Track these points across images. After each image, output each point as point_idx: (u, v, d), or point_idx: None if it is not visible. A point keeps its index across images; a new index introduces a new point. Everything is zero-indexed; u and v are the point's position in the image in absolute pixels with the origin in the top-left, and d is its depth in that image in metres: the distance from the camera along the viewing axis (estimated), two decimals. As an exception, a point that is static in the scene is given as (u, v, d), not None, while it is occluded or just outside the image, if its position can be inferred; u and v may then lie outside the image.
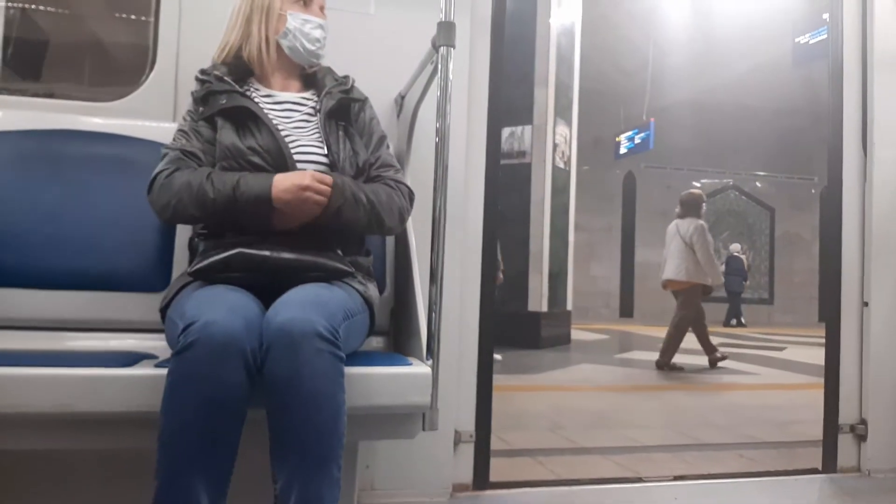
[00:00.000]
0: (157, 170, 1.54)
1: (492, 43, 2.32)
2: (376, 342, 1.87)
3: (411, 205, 1.72)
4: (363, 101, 1.78)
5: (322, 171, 1.60)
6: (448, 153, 1.56)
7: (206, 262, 1.44)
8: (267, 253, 1.44)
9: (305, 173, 1.50)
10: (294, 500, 1.24)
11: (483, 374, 2.32)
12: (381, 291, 1.82)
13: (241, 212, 1.46)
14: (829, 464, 2.62)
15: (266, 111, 1.65)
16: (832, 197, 2.76)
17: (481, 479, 2.29)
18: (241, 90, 1.63)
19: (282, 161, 1.55)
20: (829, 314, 2.75)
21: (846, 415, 2.70)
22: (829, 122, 2.77)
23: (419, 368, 1.46)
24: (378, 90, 2.04)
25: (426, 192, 1.72)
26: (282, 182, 1.46)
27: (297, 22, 1.71)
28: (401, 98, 2.09)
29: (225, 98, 1.60)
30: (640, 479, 2.51)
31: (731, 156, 15.91)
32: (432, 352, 1.53)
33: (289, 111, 1.71)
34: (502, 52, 2.35)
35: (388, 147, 1.79)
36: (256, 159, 1.54)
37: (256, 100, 1.69)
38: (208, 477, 1.23)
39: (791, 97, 12.60)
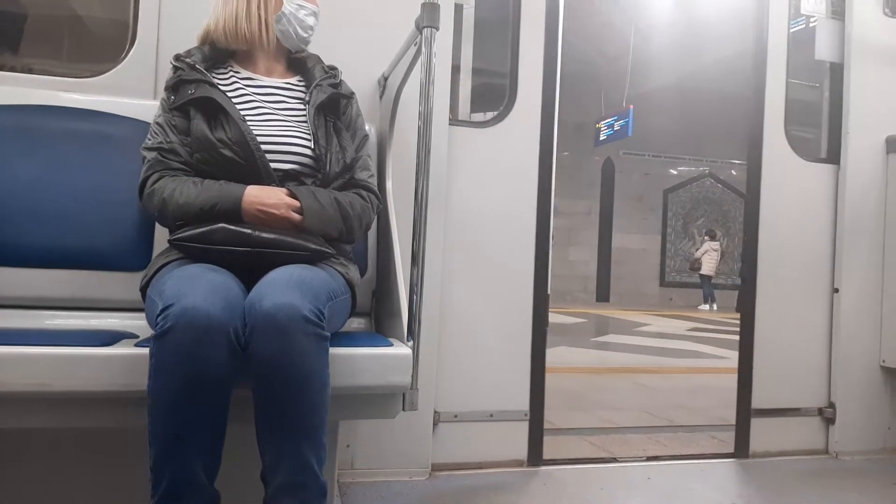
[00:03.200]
0: (141, 176, 1.57)
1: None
2: (357, 323, 1.88)
3: (376, 214, 1.76)
4: (351, 96, 1.78)
5: (305, 165, 1.62)
6: (431, 136, 1.57)
7: (187, 233, 1.45)
8: (248, 231, 1.45)
9: (275, 196, 1.51)
10: (285, 467, 1.28)
11: (536, 354, 2.43)
12: (362, 273, 1.83)
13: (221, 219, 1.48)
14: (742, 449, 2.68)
15: (247, 97, 1.65)
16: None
17: (535, 455, 2.42)
18: (209, 79, 1.61)
19: (249, 154, 1.55)
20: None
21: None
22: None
23: (400, 349, 1.48)
24: (361, 71, 2.04)
25: (408, 174, 1.72)
26: (250, 204, 1.49)
27: (293, 7, 1.70)
28: (384, 79, 2.09)
29: (193, 87, 1.59)
30: (614, 459, 2.57)
31: (709, 143, 16.05)
32: (413, 333, 1.54)
33: (274, 96, 1.70)
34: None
35: (367, 147, 1.80)
36: (227, 152, 1.54)
37: (236, 84, 1.68)
38: (199, 449, 1.26)
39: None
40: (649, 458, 2.59)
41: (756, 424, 2.69)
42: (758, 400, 2.70)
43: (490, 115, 2.48)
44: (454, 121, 2.34)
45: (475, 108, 2.75)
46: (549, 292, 2.49)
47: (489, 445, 2.39)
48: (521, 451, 2.42)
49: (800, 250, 2.76)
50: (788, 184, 2.72)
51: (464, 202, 2.34)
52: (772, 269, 2.68)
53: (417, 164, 1.58)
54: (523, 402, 2.43)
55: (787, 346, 2.74)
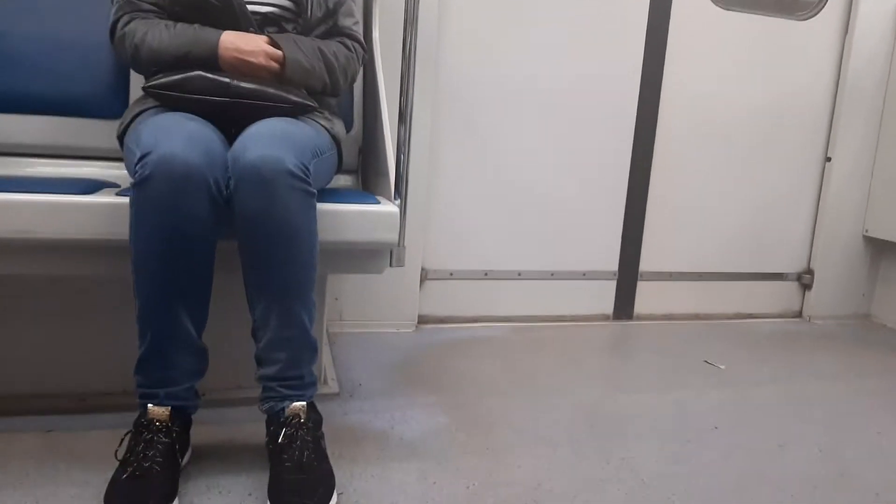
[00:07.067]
0: (111, 18, 1.48)
1: None
2: (344, 180, 1.87)
3: (362, 65, 1.67)
4: None
5: (285, 9, 1.53)
6: None
7: (161, 80, 1.38)
8: (227, 80, 1.38)
9: (253, 43, 1.43)
10: (275, 322, 1.29)
11: (630, 219, 2.55)
12: (348, 129, 1.79)
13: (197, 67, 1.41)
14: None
15: None
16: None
17: (621, 311, 2.63)
18: None
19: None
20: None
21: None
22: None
23: (387, 207, 1.47)
24: None
25: (396, 27, 1.64)
26: (226, 50, 1.41)
27: None
28: (371, -84, 1.93)
29: None
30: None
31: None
32: (400, 192, 1.53)
33: None
34: None
35: None
36: None
37: None
38: (185, 299, 1.26)
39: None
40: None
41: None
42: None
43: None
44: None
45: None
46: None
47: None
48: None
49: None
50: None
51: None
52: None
53: (405, 14, 1.50)
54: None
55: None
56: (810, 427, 1.76)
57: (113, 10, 1.49)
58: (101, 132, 1.65)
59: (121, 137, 1.48)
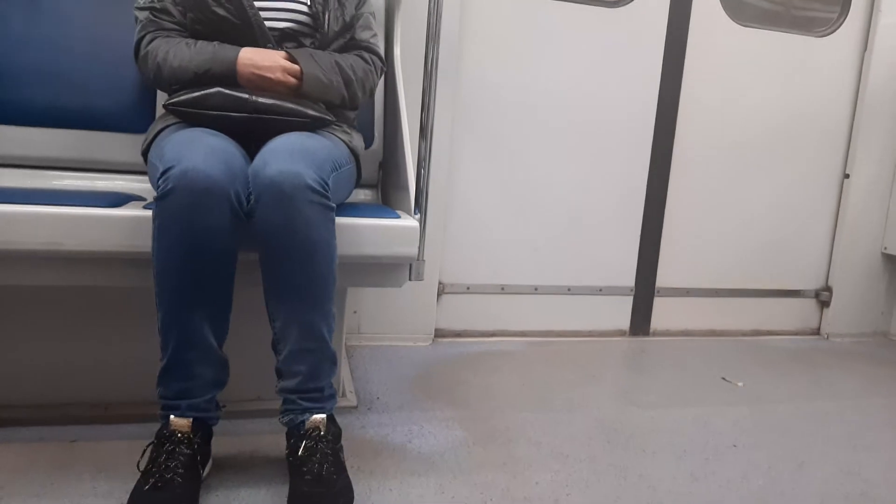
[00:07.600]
0: (135, 37, 1.53)
1: None
2: (364, 195, 1.88)
3: (380, 77, 1.69)
4: None
5: (302, 24, 1.55)
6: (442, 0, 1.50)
7: (182, 98, 1.41)
8: (246, 95, 1.41)
9: (270, 59, 1.45)
10: (295, 335, 1.31)
11: (647, 235, 2.54)
12: (368, 144, 1.81)
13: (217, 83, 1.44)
14: None
15: None
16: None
17: (638, 326, 2.62)
18: None
19: (242, 11, 1.48)
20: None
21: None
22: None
23: (407, 222, 1.48)
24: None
25: (417, 42, 1.66)
26: (244, 66, 1.44)
27: None
28: (392, -62, 1.96)
29: None
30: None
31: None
32: (420, 206, 1.54)
33: None
34: None
35: (369, 3, 1.70)
36: (220, 10, 1.48)
37: None
38: (205, 312, 1.28)
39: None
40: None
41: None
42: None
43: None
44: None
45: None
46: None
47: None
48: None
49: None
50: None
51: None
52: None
53: (427, 32, 1.51)
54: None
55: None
56: (830, 446, 1.74)
57: (137, 30, 1.52)
58: (127, 146, 1.68)
59: (145, 153, 1.51)
